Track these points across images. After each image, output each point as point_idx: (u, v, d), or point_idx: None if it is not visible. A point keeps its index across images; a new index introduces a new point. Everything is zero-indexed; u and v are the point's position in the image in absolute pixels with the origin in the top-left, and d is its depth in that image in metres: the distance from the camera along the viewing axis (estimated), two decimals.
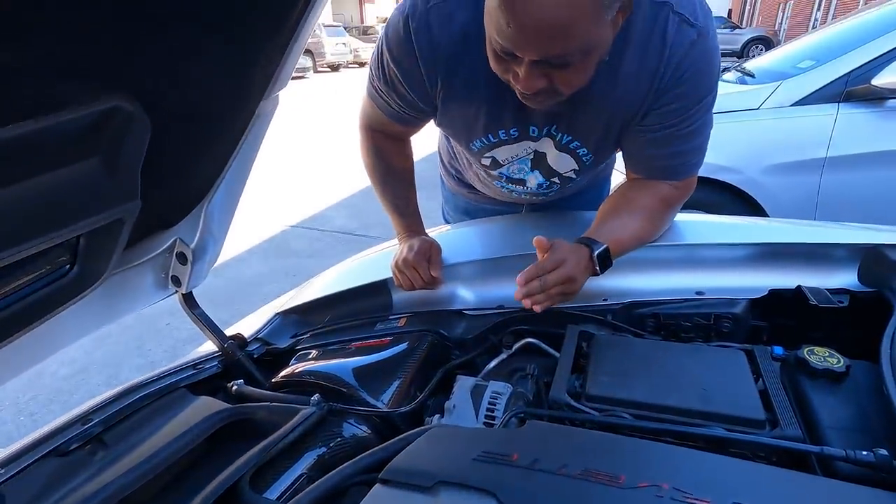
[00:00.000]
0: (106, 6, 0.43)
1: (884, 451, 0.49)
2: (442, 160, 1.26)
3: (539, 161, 0.94)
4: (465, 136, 0.91)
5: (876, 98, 1.81)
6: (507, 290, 0.92)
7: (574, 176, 0.97)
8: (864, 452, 0.50)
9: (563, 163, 0.93)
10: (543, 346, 0.81)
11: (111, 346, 2.14)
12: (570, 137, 0.87)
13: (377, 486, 0.50)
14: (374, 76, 0.87)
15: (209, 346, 0.93)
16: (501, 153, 0.93)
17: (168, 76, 0.57)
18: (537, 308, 0.74)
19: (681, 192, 0.89)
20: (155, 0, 0.46)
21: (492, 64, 0.71)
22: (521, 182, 1.00)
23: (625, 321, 0.84)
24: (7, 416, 1.72)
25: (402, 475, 0.50)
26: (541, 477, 0.47)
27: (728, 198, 2.03)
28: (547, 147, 0.90)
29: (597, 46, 0.65)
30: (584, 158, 0.91)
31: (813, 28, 15.58)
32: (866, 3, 11.57)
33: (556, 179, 0.98)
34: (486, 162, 0.97)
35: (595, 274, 0.79)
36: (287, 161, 5.22)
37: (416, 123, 0.94)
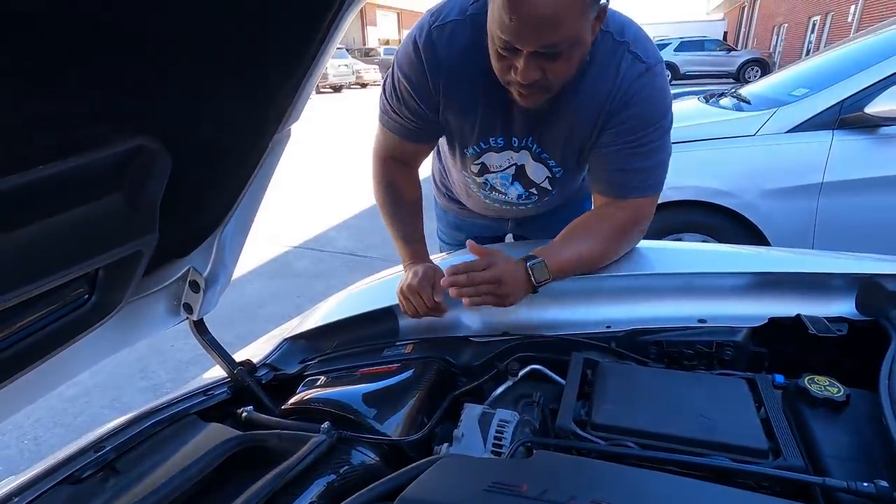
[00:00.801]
0: (134, 55, 0.45)
1: (884, 483, 0.51)
2: (435, 180, 1.36)
3: (520, 174, 1.06)
4: (461, 141, 1.01)
5: (869, 125, 1.85)
6: (511, 317, 0.94)
7: (549, 187, 1.07)
8: (866, 484, 0.51)
9: (538, 173, 1.05)
10: (549, 372, 0.82)
11: (114, 369, 2.15)
12: (541, 149, 0.99)
13: None
14: (386, 100, 0.99)
15: (215, 370, 0.94)
16: (489, 159, 1.04)
17: (189, 116, 0.60)
18: (466, 302, 0.83)
19: (636, 217, 0.96)
20: (179, 48, 0.49)
21: (494, 64, 0.82)
22: (503, 193, 1.12)
23: (628, 348, 0.86)
24: (10, 441, 1.72)
25: None
26: None
27: (727, 221, 2.05)
28: (526, 159, 1.02)
29: (581, 41, 0.78)
30: (554, 170, 1.03)
31: (807, 51, 15.86)
32: (859, 28, 11.79)
33: (534, 190, 1.09)
34: (476, 169, 1.07)
35: (532, 286, 0.86)
36: (290, 181, 5.27)
37: (425, 139, 1.03)
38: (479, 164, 1.05)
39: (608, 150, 0.92)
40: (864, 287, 0.81)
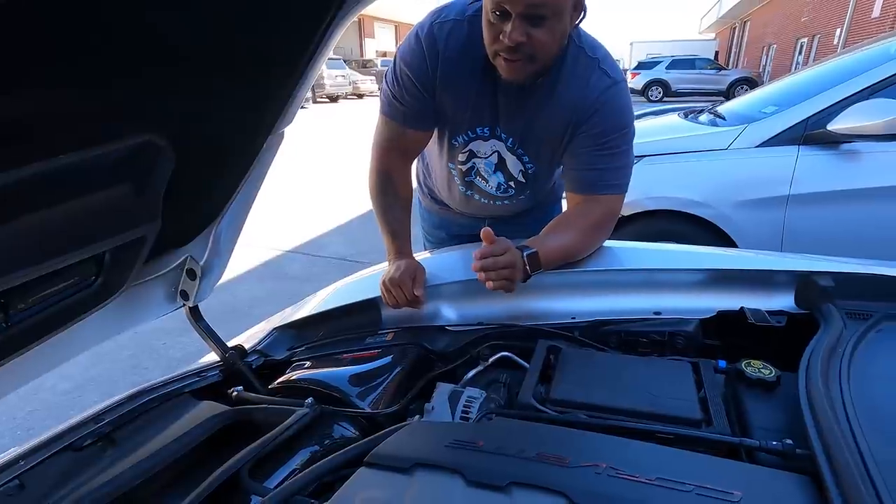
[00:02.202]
0: (151, 60, 0.53)
1: (790, 441, 0.58)
2: (419, 181, 1.44)
3: (501, 165, 1.16)
4: (452, 128, 1.11)
5: (832, 142, 1.96)
6: (486, 308, 1.02)
7: (523, 180, 1.17)
8: (774, 443, 0.59)
9: (514, 166, 1.15)
10: (517, 358, 0.89)
11: (108, 364, 2.19)
12: (517, 143, 1.09)
13: (362, 468, 0.58)
14: (388, 88, 1.08)
15: (207, 360, 1.01)
16: (477, 146, 1.13)
17: (193, 115, 0.67)
18: (490, 285, 0.90)
19: (609, 213, 1.06)
20: (189, 54, 0.56)
21: (486, 36, 0.92)
22: (485, 180, 1.20)
23: (591, 338, 0.93)
24: (5, 430, 1.76)
25: (384, 459, 0.58)
26: (501, 459, 0.55)
27: (702, 231, 2.15)
28: (506, 153, 1.12)
29: (562, 16, 0.88)
30: (527, 165, 1.13)
31: (795, 70, 16.17)
32: (845, 48, 12.04)
33: (511, 183, 1.19)
34: (463, 157, 1.16)
35: (526, 273, 0.94)
36: (284, 186, 5.34)
37: (422, 124, 1.10)
38: (467, 151, 1.15)
39: (581, 151, 1.03)
40: (801, 283, 0.90)
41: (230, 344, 1.09)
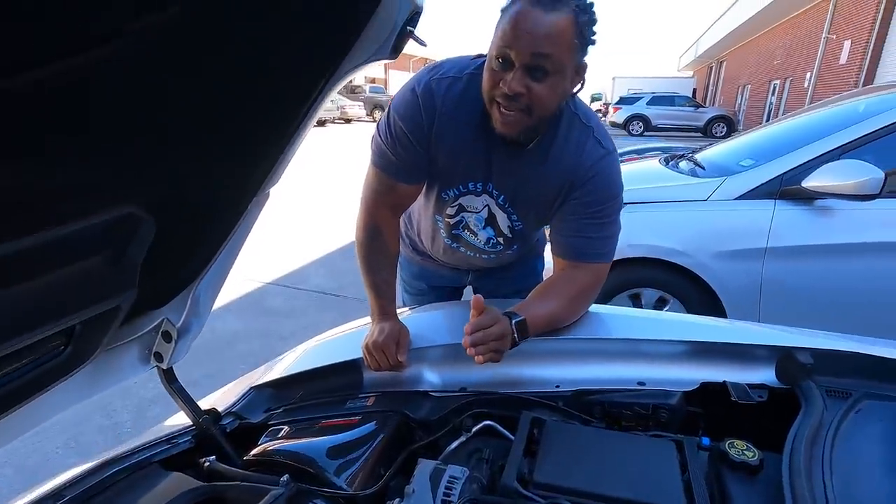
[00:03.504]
0: (130, 132, 0.51)
1: None
2: (400, 231, 1.40)
3: (491, 220, 1.16)
4: (444, 182, 1.10)
5: (807, 198, 2.03)
6: (469, 374, 1.01)
7: (510, 235, 1.16)
8: None
9: (503, 222, 1.15)
10: (500, 429, 0.88)
11: (74, 406, 2.10)
12: (507, 202, 1.09)
13: None
14: (380, 141, 1.06)
15: (181, 414, 0.97)
16: (467, 200, 1.13)
17: (176, 186, 0.66)
18: (479, 359, 0.89)
19: (592, 281, 1.06)
20: (172, 129, 0.55)
21: (485, 83, 0.92)
22: (474, 234, 1.20)
23: (575, 407, 0.93)
24: None
25: None
26: None
27: (683, 279, 2.18)
28: (495, 209, 1.12)
29: (564, 73, 0.89)
30: (515, 223, 1.13)
31: (768, 111, 16.87)
32: (815, 92, 12.61)
33: (500, 239, 1.18)
34: (452, 210, 1.15)
35: (514, 342, 0.93)
36: (266, 216, 5.28)
37: (413, 178, 1.09)
38: (456, 205, 1.14)
39: (571, 218, 1.04)
40: (781, 359, 0.91)
41: (207, 400, 1.06)
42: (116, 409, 2.10)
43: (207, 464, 0.85)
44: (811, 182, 1.97)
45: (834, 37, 12.47)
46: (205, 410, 0.95)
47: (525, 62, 0.86)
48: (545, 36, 0.83)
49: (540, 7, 0.83)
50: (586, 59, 0.93)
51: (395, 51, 0.66)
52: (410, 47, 0.71)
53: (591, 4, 0.88)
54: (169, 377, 0.93)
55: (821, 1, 13.51)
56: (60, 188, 0.52)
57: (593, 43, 0.90)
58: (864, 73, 10.98)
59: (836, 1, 12.62)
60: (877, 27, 10.69)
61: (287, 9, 0.52)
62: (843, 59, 11.92)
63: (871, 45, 10.85)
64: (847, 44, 11.77)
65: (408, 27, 0.64)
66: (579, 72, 0.93)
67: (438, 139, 1.02)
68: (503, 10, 0.88)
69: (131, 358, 0.91)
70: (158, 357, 0.91)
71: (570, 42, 0.86)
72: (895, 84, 2.58)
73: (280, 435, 0.91)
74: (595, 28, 0.89)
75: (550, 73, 0.87)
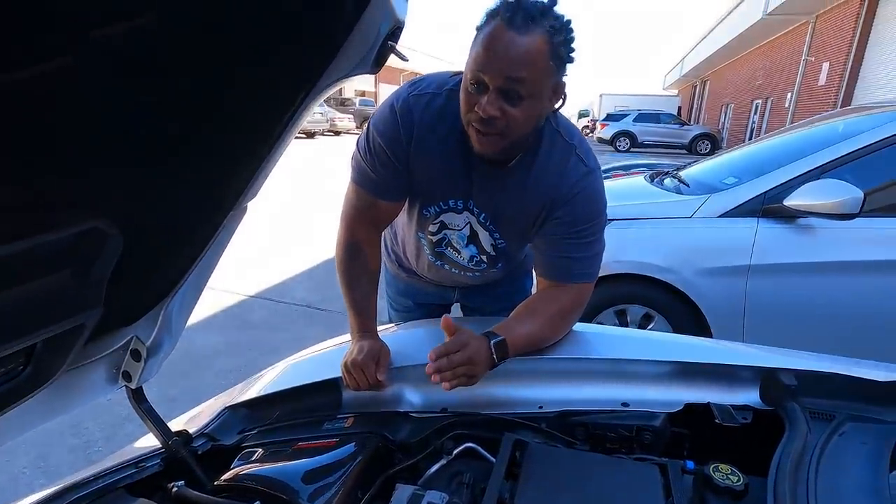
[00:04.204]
0: (90, 145, 0.49)
1: None
2: (386, 247, 1.40)
3: (474, 238, 1.14)
4: (424, 198, 1.09)
5: (789, 216, 2.05)
6: (451, 394, 0.98)
7: (493, 253, 1.15)
8: None
9: (486, 240, 1.13)
10: (481, 451, 0.85)
11: (36, 428, 2.02)
12: (489, 219, 1.08)
13: None
14: (360, 158, 1.05)
15: (150, 443, 0.93)
16: (449, 218, 1.11)
17: (145, 200, 0.63)
18: (445, 385, 0.86)
19: (575, 301, 1.04)
20: (138, 138, 0.53)
21: (462, 105, 0.91)
22: (457, 251, 1.18)
23: (558, 429, 0.91)
24: None
25: None
26: None
27: (668, 295, 2.19)
28: (477, 226, 1.11)
29: (539, 97, 0.87)
30: (497, 241, 1.11)
31: (751, 129, 17.26)
32: (795, 111, 12.96)
33: (483, 257, 1.16)
34: (434, 228, 1.13)
35: (493, 363, 0.91)
36: (248, 225, 5.22)
37: (393, 195, 1.07)
38: (438, 222, 1.12)
39: (553, 238, 1.02)
40: (765, 380, 0.90)
41: (181, 420, 1.02)
42: (88, 427, 2.02)
43: (175, 489, 0.81)
44: (793, 201, 1.99)
45: (813, 59, 12.85)
46: (175, 432, 0.91)
47: (499, 86, 0.84)
48: (518, 60, 0.82)
49: (513, 29, 0.81)
50: (567, 77, 0.91)
51: (376, 65, 0.65)
52: (398, 62, 0.70)
53: (568, 22, 0.85)
54: (138, 397, 0.90)
55: (800, 24, 13.94)
56: (17, 200, 0.49)
57: (571, 61, 0.88)
58: (843, 94, 11.31)
59: (814, 25, 13.04)
60: (853, 51, 11.04)
61: (265, 22, 0.51)
62: (822, 80, 12.27)
63: (849, 67, 11.19)
64: (826, 66, 12.12)
65: (389, 42, 0.63)
66: (557, 91, 0.92)
67: (417, 155, 1.00)
68: (478, 29, 0.86)
69: (98, 377, 0.87)
70: (127, 376, 0.88)
71: (545, 64, 0.84)
72: (873, 105, 2.64)
73: (254, 458, 0.87)
74: (574, 45, 0.87)
75: (525, 97, 0.85)
